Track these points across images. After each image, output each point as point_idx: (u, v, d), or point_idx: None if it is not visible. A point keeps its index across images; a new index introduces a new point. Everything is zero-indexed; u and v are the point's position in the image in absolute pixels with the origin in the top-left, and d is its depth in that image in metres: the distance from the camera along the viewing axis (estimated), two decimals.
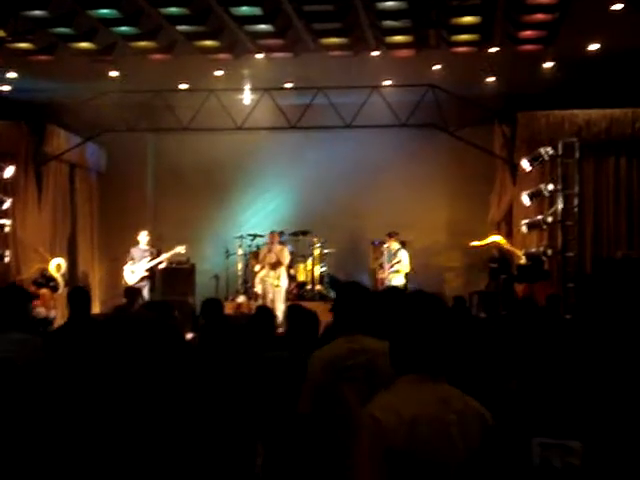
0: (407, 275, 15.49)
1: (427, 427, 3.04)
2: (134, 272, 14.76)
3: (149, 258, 14.84)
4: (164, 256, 14.98)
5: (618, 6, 11.47)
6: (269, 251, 15.27)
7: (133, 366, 4.45)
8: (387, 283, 15.22)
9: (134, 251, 14.93)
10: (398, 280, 15.26)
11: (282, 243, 15.66)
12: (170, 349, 4.84)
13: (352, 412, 4.39)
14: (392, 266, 15.34)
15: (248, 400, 5.59)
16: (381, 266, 15.66)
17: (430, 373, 3.16)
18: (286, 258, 15.22)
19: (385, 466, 2.98)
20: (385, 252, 15.60)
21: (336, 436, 4.48)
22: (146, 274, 14.83)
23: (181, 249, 15.19)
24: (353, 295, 5.05)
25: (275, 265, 15.07)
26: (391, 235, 15.50)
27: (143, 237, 15.03)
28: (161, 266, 15.09)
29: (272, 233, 15.50)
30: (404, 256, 15.40)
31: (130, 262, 14.87)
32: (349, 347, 4.76)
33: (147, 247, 15.01)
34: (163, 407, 4.29)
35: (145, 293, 14.77)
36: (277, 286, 14.98)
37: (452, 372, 3.22)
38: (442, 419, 3.09)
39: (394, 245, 15.47)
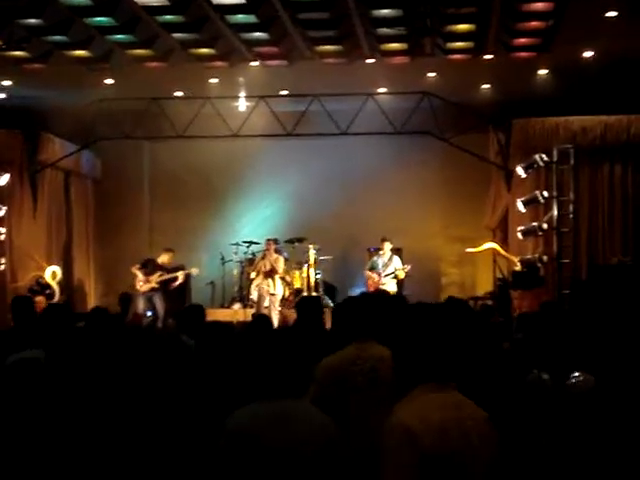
0: (400, 281, 15.56)
1: (452, 432, 3.13)
2: (149, 282, 14.77)
3: (160, 273, 14.87)
4: (179, 273, 15.02)
5: (612, 13, 11.53)
6: (264, 258, 15.30)
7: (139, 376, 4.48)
8: (381, 287, 15.23)
9: (148, 263, 15.02)
10: (392, 286, 15.31)
11: (278, 251, 15.66)
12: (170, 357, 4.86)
13: (353, 424, 4.46)
14: (387, 273, 15.37)
15: None
16: (372, 270, 15.62)
17: (442, 382, 3.25)
18: (281, 266, 15.24)
19: (419, 473, 3.04)
20: (379, 257, 15.62)
21: None
22: (157, 286, 14.86)
23: (196, 271, 15.38)
24: (366, 303, 5.18)
25: (270, 273, 15.10)
26: (385, 239, 15.54)
27: (168, 256, 15.16)
28: (175, 284, 15.11)
29: (268, 241, 15.54)
30: (398, 262, 15.48)
31: (137, 266, 14.92)
32: (357, 354, 4.86)
33: (162, 264, 15.09)
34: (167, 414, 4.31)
35: (158, 303, 14.81)
36: (272, 294, 15.01)
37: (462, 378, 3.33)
38: (463, 424, 3.18)
39: (388, 250, 15.54)
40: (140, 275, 14.84)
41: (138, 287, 14.78)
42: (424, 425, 3.08)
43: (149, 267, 14.99)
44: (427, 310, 3.61)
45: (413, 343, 3.29)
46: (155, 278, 14.84)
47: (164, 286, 15.03)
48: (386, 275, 15.37)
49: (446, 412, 3.16)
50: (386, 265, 15.45)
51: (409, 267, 15.42)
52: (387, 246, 15.54)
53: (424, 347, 3.26)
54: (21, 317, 6.79)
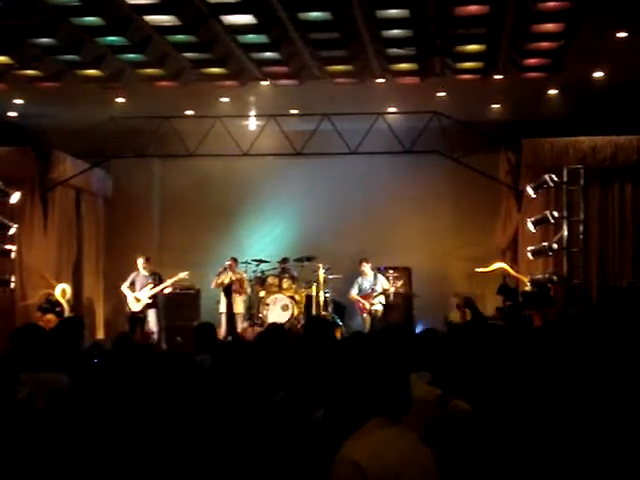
0: (387, 297, 15.80)
1: (406, 472, 3.00)
2: (139, 300, 14.86)
3: (152, 285, 14.93)
4: (168, 282, 15.11)
5: (622, 34, 11.54)
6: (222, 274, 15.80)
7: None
8: (373, 308, 15.59)
9: (136, 278, 15.04)
10: (381, 307, 15.70)
11: (287, 270, 16.25)
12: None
13: None
14: (375, 293, 15.64)
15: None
16: (360, 291, 15.83)
17: (394, 416, 3.14)
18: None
19: None
20: (364, 279, 15.85)
21: None
22: (149, 301, 14.93)
23: (184, 275, 15.37)
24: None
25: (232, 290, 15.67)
26: (364, 260, 15.79)
27: (140, 263, 15.20)
28: (166, 291, 15.21)
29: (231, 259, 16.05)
30: (384, 282, 15.72)
31: (125, 285, 15.02)
32: None
33: (149, 274, 15.11)
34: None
35: (152, 320, 14.92)
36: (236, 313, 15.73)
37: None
38: (419, 462, 3.09)
39: (369, 270, 15.76)
40: (130, 296, 14.98)
41: (131, 307, 14.91)
42: (375, 462, 2.94)
43: (138, 283, 15.10)
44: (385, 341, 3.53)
45: (366, 374, 3.18)
46: (146, 293, 14.91)
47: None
48: (376, 296, 15.54)
49: (402, 451, 3.06)
50: (374, 285, 15.65)
51: (392, 289, 15.59)
52: (367, 267, 15.77)
53: (378, 379, 3.16)
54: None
